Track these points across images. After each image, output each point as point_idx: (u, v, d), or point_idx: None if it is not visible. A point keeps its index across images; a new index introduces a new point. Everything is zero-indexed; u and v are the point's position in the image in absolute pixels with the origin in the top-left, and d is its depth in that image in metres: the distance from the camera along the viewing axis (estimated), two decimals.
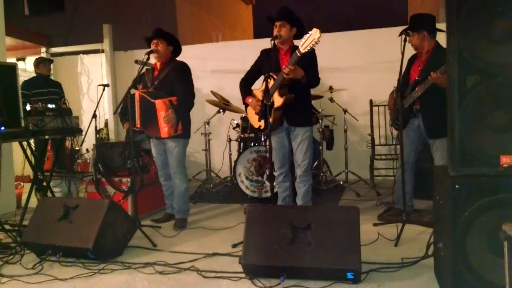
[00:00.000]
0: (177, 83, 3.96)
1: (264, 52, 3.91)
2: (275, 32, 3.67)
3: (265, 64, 3.79)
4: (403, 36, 3.63)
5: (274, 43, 3.57)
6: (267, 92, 3.44)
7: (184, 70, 4.08)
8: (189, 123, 4.14)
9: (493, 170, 2.22)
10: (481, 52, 2.23)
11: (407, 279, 2.73)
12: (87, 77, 7.65)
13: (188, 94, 4.03)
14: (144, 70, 4.04)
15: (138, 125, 3.98)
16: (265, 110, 3.49)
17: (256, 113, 3.89)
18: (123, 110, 4.59)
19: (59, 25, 9.95)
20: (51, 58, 7.26)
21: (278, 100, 3.65)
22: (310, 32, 3.28)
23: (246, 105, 3.98)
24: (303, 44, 3.32)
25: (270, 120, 3.58)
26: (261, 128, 3.91)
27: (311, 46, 3.27)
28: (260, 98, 3.76)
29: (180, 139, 4.03)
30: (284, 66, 3.51)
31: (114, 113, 6.68)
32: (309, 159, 3.79)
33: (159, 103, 3.77)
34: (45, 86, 5.77)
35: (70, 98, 5.36)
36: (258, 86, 3.87)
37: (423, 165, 4.20)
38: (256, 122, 3.93)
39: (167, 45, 4.06)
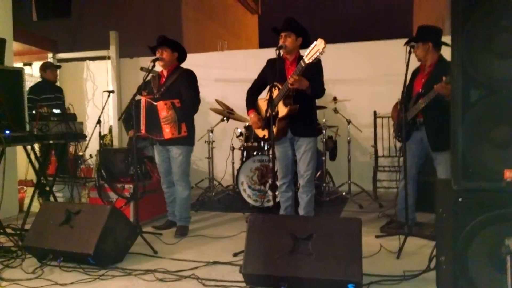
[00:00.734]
0: (184, 89, 4.01)
1: (270, 62, 3.92)
2: (280, 43, 3.69)
3: (270, 73, 3.79)
4: (408, 47, 3.64)
5: (279, 52, 3.58)
6: (271, 102, 3.45)
7: (191, 77, 4.11)
8: (193, 131, 4.16)
9: (495, 185, 2.21)
10: (485, 66, 2.23)
11: None
12: (92, 83, 7.70)
13: (195, 100, 4.07)
14: (149, 77, 4.07)
15: (143, 130, 4.00)
16: (269, 119, 3.50)
17: (255, 128, 3.94)
18: (128, 117, 4.60)
19: (65, 31, 10.02)
20: (58, 64, 7.32)
21: (282, 110, 3.66)
22: (315, 43, 3.30)
23: None
24: (307, 55, 3.33)
25: (274, 129, 3.58)
26: (266, 137, 3.93)
27: (316, 56, 3.29)
28: (265, 108, 3.76)
29: (184, 146, 4.05)
30: (289, 76, 3.52)
31: (119, 119, 6.71)
32: (312, 169, 3.79)
33: (160, 104, 3.82)
34: (52, 91, 5.80)
35: (75, 103, 5.38)
36: (264, 95, 3.88)
37: (426, 178, 4.19)
38: (260, 131, 3.94)
39: (172, 52, 4.09)
